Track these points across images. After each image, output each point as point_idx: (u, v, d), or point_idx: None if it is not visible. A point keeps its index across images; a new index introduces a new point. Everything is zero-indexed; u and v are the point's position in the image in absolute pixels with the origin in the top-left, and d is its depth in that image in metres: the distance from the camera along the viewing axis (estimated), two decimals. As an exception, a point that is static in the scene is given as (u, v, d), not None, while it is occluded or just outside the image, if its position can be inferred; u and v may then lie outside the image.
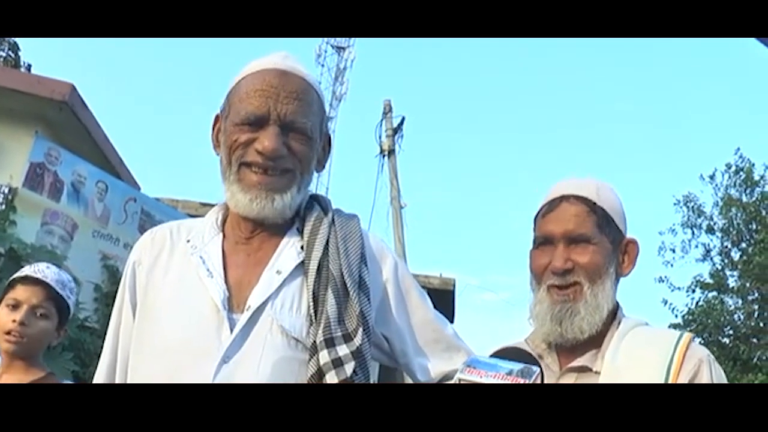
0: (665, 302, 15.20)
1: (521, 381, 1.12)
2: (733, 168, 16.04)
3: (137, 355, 1.38)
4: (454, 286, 11.12)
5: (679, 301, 15.82)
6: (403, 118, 12.88)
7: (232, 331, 1.30)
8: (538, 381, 1.16)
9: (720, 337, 14.55)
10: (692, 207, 16.64)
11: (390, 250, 1.48)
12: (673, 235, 16.64)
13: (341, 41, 17.89)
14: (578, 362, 1.49)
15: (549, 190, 1.60)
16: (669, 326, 11.97)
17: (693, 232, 16.62)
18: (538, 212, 1.58)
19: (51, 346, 2.23)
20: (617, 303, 1.55)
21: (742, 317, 15.36)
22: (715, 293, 15.54)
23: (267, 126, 1.35)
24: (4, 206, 5.32)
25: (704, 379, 1.41)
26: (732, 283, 15.78)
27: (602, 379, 1.43)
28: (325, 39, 17.58)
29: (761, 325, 14.77)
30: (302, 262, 1.36)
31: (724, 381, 1.46)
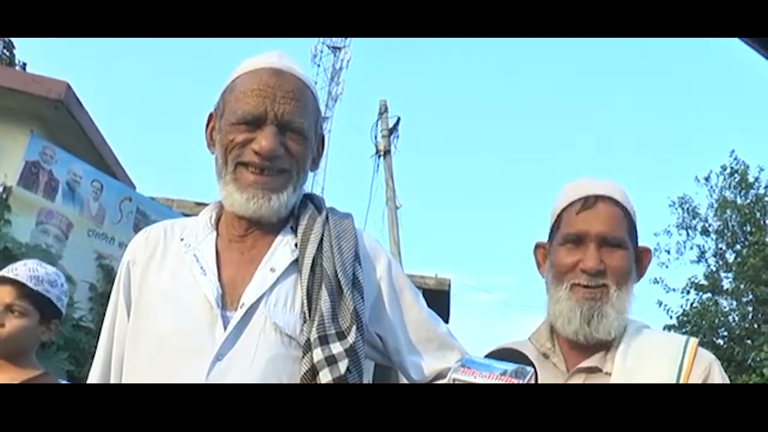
0: (660, 303, 15.25)
1: (515, 381, 1.12)
2: (728, 170, 16.10)
3: (132, 354, 1.38)
4: (449, 286, 11.13)
5: (673, 303, 15.88)
6: (399, 119, 12.90)
7: (225, 328, 1.30)
8: (532, 381, 1.16)
9: (714, 339, 14.58)
10: (687, 208, 16.70)
11: (384, 249, 1.48)
12: (668, 237, 16.70)
13: (337, 41, 17.88)
14: (588, 363, 1.48)
15: (571, 187, 1.57)
16: (664, 327, 12.02)
17: (688, 234, 16.68)
18: (567, 207, 1.54)
19: (46, 345, 2.23)
20: None
21: (736, 319, 15.40)
22: (709, 295, 15.59)
23: (264, 126, 1.35)
24: (-2, 205, 5.31)
25: (716, 381, 1.42)
26: (726, 284, 15.83)
27: (614, 381, 1.43)
28: (321, 39, 17.58)
29: (755, 326, 14.82)
30: (296, 260, 1.36)
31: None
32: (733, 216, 15.93)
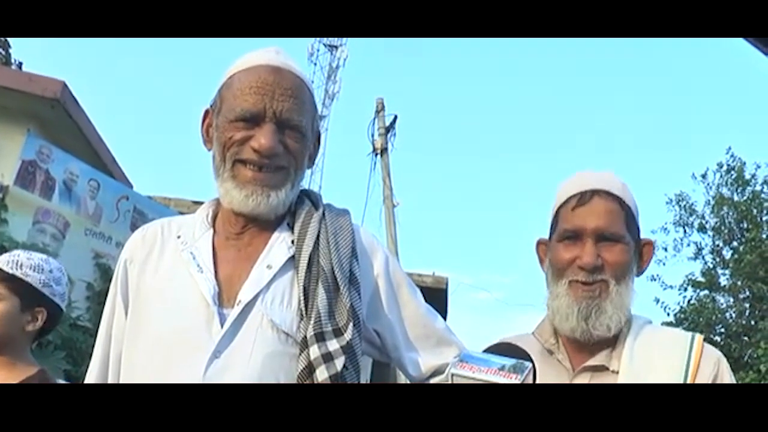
0: (657, 300, 15.29)
1: (513, 376, 1.12)
2: (725, 167, 16.13)
3: (129, 352, 1.38)
4: (446, 284, 11.13)
5: (671, 300, 15.91)
6: (396, 117, 12.90)
7: (222, 325, 1.30)
8: (530, 376, 1.16)
9: (711, 336, 14.62)
10: (684, 206, 16.72)
11: (381, 245, 1.48)
12: (666, 234, 16.73)
13: (334, 40, 17.88)
14: (594, 361, 1.48)
15: (569, 181, 1.56)
16: (661, 324, 12.02)
17: (685, 231, 16.71)
18: (564, 203, 1.53)
19: (42, 343, 2.17)
20: None
21: (733, 315, 15.44)
22: (706, 291, 15.63)
23: (263, 124, 1.35)
24: (-5, 204, 5.30)
25: (726, 378, 1.42)
26: (723, 281, 15.87)
27: (621, 380, 1.42)
28: (318, 38, 17.57)
29: (752, 323, 14.85)
30: (293, 257, 1.36)
31: (734, 381, 1.47)
32: (730, 213, 15.96)
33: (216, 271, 1.36)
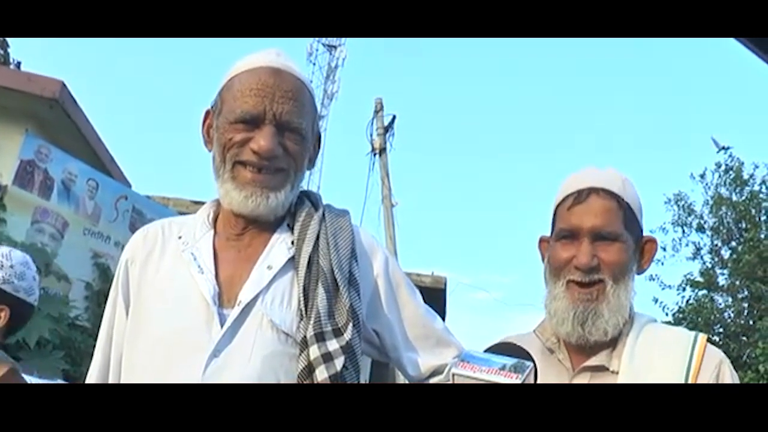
0: (656, 300, 15.28)
1: (514, 376, 1.12)
2: (723, 167, 16.13)
3: (130, 352, 1.38)
4: (445, 284, 11.13)
5: (669, 300, 15.89)
6: (394, 117, 12.90)
7: (222, 326, 1.30)
8: (531, 376, 1.16)
9: (710, 335, 14.58)
10: (683, 206, 16.72)
11: (380, 245, 1.49)
12: (664, 234, 16.71)
13: (333, 40, 17.88)
14: (594, 361, 1.47)
15: (570, 179, 1.54)
16: (659, 324, 12.01)
17: (683, 231, 16.70)
18: (561, 202, 1.52)
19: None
20: None
21: (731, 315, 15.45)
22: (705, 291, 15.63)
23: (263, 126, 1.35)
24: (-6, 204, 5.30)
25: (727, 379, 1.40)
26: (722, 281, 15.87)
27: (621, 380, 1.41)
28: (317, 38, 17.57)
29: (751, 323, 14.86)
30: (293, 258, 1.36)
31: (738, 381, 1.45)
32: (729, 213, 15.96)
33: (216, 272, 1.37)
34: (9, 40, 11.78)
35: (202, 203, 1.51)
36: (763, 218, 15.70)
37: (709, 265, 16.28)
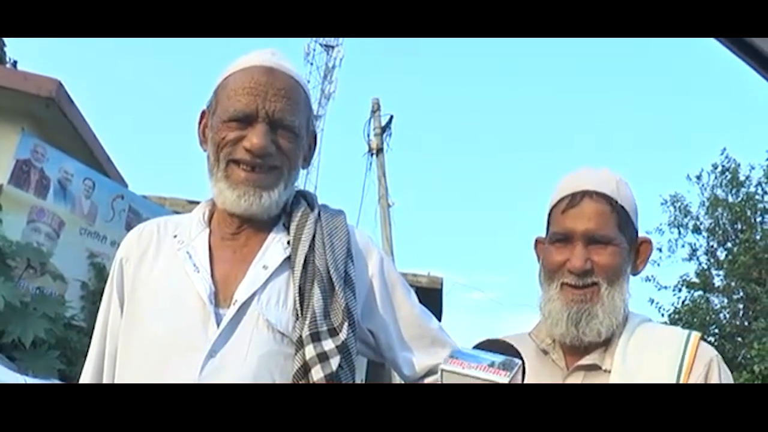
0: (652, 301, 15.33)
1: (503, 373, 1.12)
2: (719, 168, 16.17)
3: (125, 351, 1.38)
4: (441, 284, 11.14)
5: (665, 300, 15.99)
6: (392, 117, 12.91)
7: (218, 325, 1.30)
8: (520, 373, 1.16)
9: (705, 336, 14.57)
10: (679, 207, 16.77)
11: (376, 246, 1.49)
12: (660, 235, 16.77)
13: (330, 40, 17.88)
14: (587, 360, 1.47)
15: (565, 180, 1.55)
16: (655, 325, 12.03)
17: (679, 232, 16.76)
18: (556, 205, 1.52)
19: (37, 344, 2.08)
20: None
21: (727, 316, 15.50)
22: (701, 292, 15.67)
23: (255, 124, 1.35)
24: (-11, 203, 5.29)
25: (714, 378, 1.40)
26: (717, 282, 15.92)
27: (613, 379, 1.41)
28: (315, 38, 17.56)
29: (746, 323, 14.91)
30: (288, 258, 1.37)
31: (731, 380, 1.45)
32: (725, 214, 16.01)
33: (212, 271, 1.37)
34: (5, 39, 11.75)
35: (199, 203, 1.51)
36: (758, 220, 15.74)
37: (705, 266, 16.33)
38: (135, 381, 1.31)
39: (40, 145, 5.73)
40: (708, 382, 1.40)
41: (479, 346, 1.25)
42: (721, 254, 16.20)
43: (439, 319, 1.51)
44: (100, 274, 6.08)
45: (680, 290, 15.69)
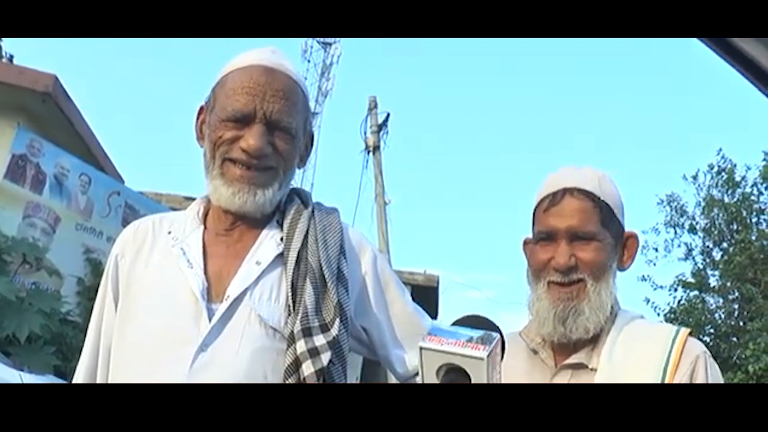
0: (647, 301, 15.39)
1: (481, 347, 1.10)
2: (716, 169, 16.22)
3: (119, 347, 1.39)
4: (438, 283, 11.16)
5: (661, 300, 16.01)
6: (389, 115, 12.92)
7: (210, 320, 1.31)
8: (498, 347, 1.14)
9: (701, 336, 14.71)
10: (675, 207, 16.82)
11: (369, 243, 1.50)
12: (656, 234, 16.82)
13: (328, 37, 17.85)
14: (574, 359, 1.47)
15: (547, 180, 1.55)
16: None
17: (675, 232, 16.81)
18: (538, 204, 1.53)
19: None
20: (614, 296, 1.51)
21: (722, 316, 15.56)
22: (696, 292, 15.72)
23: (252, 124, 1.36)
24: (-15, 198, 5.28)
25: (700, 375, 1.39)
26: (713, 282, 15.97)
27: (598, 378, 1.41)
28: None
29: (741, 324, 14.96)
30: (281, 254, 1.37)
31: (720, 377, 1.45)
32: (720, 214, 16.06)
33: (205, 267, 1.37)
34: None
35: (195, 199, 1.51)
36: (754, 220, 15.79)
37: (701, 266, 16.38)
38: (128, 376, 1.32)
39: (37, 140, 5.72)
40: (693, 379, 1.39)
41: (458, 323, 1.22)
42: (717, 254, 16.25)
43: (435, 318, 1.51)
44: (96, 269, 6.08)
45: (676, 290, 15.76)
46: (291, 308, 1.31)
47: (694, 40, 1.01)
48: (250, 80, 1.37)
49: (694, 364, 1.40)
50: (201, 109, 1.46)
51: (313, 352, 1.26)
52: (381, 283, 1.45)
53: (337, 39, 17.70)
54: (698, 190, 16.60)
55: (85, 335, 1.50)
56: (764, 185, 15.64)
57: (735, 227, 15.81)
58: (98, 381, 1.43)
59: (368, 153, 12.72)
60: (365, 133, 12.81)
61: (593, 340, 1.48)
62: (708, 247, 16.48)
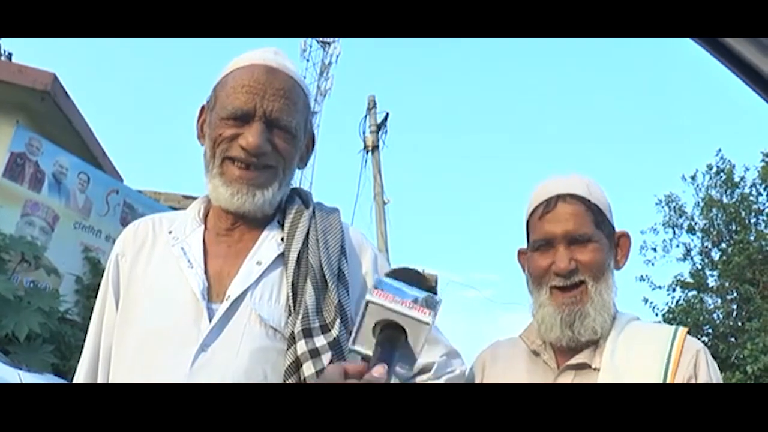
0: (646, 301, 15.40)
1: (427, 311, 1.11)
2: (714, 169, 16.24)
3: (120, 346, 1.39)
4: (436, 282, 11.10)
5: (659, 300, 16.05)
6: (387, 114, 12.92)
7: (211, 320, 1.31)
8: (440, 311, 1.15)
9: (699, 336, 14.73)
10: (674, 207, 16.84)
11: (370, 244, 1.50)
12: (655, 235, 16.85)
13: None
14: (576, 359, 1.49)
15: (537, 190, 1.59)
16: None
17: (674, 232, 16.83)
18: (532, 213, 1.56)
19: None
20: None
21: (720, 316, 15.57)
22: (695, 292, 15.74)
23: (252, 122, 1.36)
24: (-17, 196, 5.27)
25: (702, 368, 1.42)
26: (711, 282, 15.99)
27: (601, 377, 1.43)
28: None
29: (739, 324, 14.97)
30: (282, 254, 1.37)
31: (718, 372, 1.47)
32: (719, 215, 16.08)
33: (206, 267, 1.37)
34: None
35: (194, 198, 1.51)
36: (752, 221, 15.81)
37: (699, 267, 16.40)
38: (128, 376, 1.32)
39: (35, 139, 5.72)
40: (696, 372, 1.42)
41: (395, 274, 1.21)
42: (716, 255, 16.27)
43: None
44: (95, 268, 6.08)
45: (674, 290, 15.78)
46: (291, 308, 1.31)
47: (694, 40, 1.01)
48: (251, 78, 1.37)
49: (696, 359, 1.43)
50: (202, 108, 1.47)
51: (314, 353, 1.26)
52: None
53: (336, 38, 17.69)
54: (697, 190, 16.63)
55: (83, 334, 1.50)
56: (763, 186, 15.66)
57: (733, 228, 15.83)
58: (99, 381, 1.43)
59: (367, 152, 12.72)
60: (364, 133, 12.81)
61: (594, 341, 1.50)
62: (706, 247, 16.50)
